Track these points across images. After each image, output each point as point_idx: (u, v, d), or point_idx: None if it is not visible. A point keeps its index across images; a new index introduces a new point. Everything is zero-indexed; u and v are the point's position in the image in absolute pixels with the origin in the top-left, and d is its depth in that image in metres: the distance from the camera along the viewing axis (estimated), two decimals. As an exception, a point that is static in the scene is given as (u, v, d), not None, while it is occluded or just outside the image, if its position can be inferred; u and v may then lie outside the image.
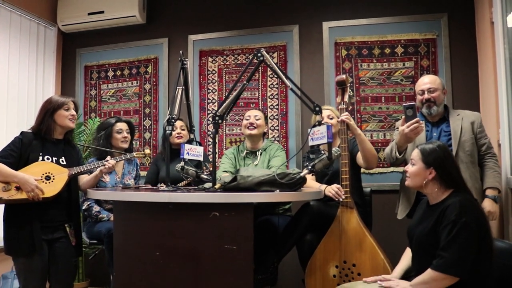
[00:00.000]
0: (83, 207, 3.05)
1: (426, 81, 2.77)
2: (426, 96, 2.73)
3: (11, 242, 2.48)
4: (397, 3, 3.71)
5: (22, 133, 2.61)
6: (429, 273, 1.83)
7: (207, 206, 2.05)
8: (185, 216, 2.11)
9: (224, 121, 3.93)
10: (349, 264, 2.50)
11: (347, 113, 2.58)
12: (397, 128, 2.86)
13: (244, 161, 3.16)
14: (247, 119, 3.12)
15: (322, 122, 2.25)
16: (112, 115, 4.23)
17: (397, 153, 2.67)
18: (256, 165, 3.07)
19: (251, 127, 3.08)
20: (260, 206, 2.88)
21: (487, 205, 2.60)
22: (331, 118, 2.90)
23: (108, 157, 2.79)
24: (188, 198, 2.06)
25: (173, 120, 2.49)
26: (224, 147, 4.01)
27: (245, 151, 3.18)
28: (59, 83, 4.55)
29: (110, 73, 4.43)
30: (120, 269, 2.25)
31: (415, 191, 2.64)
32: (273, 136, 3.89)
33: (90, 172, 2.75)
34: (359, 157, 2.75)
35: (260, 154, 3.12)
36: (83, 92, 4.50)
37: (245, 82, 2.38)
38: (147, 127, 4.27)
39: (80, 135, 4.04)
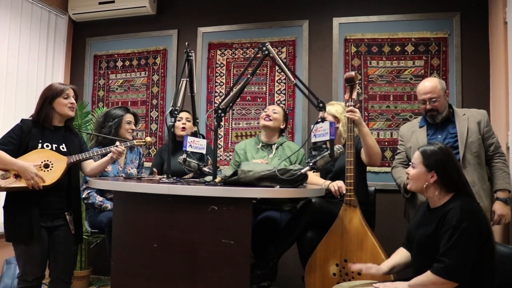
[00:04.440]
0: (83, 196, 3.06)
1: (427, 90, 2.69)
2: (428, 106, 2.69)
3: (10, 229, 2.49)
4: (409, 1, 3.65)
5: (22, 120, 2.61)
6: (428, 276, 1.80)
7: (205, 200, 2.04)
8: (183, 209, 2.10)
9: (231, 115, 3.95)
10: (350, 263, 2.47)
11: (351, 108, 2.54)
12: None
13: (259, 153, 3.16)
14: (266, 111, 3.19)
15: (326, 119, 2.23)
16: (120, 105, 4.24)
17: (405, 193, 2.70)
18: (271, 158, 3.07)
19: (267, 118, 3.14)
20: (264, 200, 2.90)
21: (498, 207, 2.56)
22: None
23: (117, 143, 2.77)
24: (186, 191, 2.04)
25: (175, 112, 2.47)
26: (230, 141, 4.00)
27: (260, 143, 3.20)
28: (68, 72, 4.57)
29: (119, 63, 4.43)
30: (117, 258, 2.25)
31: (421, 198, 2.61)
32: (279, 132, 3.87)
33: (97, 158, 2.75)
34: (363, 152, 2.72)
35: (276, 148, 3.14)
36: (92, 81, 4.52)
37: (249, 76, 2.36)
38: (154, 118, 4.27)
39: (87, 124, 4.05)
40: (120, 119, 3.16)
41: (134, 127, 3.23)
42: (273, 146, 3.15)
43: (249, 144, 3.26)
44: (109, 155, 2.70)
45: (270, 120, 3.13)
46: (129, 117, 3.20)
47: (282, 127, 3.21)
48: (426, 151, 1.96)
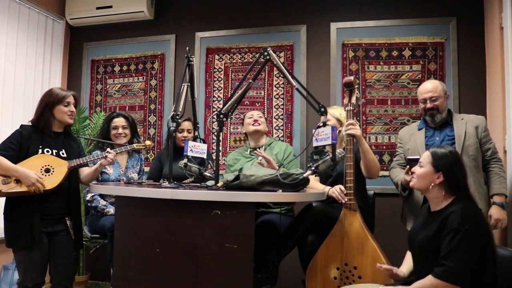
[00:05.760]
0: (87, 198, 3.06)
1: (428, 89, 2.74)
2: (428, 105, 2.72)
3: (11, 235, 2.48)
4: (405, 6, 3.69)
5: (21, 126, 2.61)
6: (429, 279, 1.81)
7: (208, 204, 2.04)
8: (186, 214, 2.10)
9: (229, 120, 3.96)
10: (350, 267, 2.48)
11: (352, 122, 2.55)
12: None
13: (249, 158, 3.19)
14: (250, 117, 3.24)
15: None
16: (117, 110, 4.23)
17: (402, 192, 2.75)
18: (261, 159, 3.08)
19: (256, 123, 3.20)
20: (260, 203, 2.94)
21: (495, 212, 2.57)
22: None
23: (108, 149, 2.75)
24: (189, 196, 2.05)
25: (177, 117, 2.47)
26: (228, 146, 4.01)
27: (249, 150, 3.25)
28: (66, 77, 4.56)
29: (117, 68, 4.43)
30: (120, 263, 2.25)
31: (419, 202, 2.62)
32: (278, 136, 3.88)
33: (91, 163, 2.74)
34: (362, 166, 2.74)
35: (264, 150, 3.18)
36: (89, 86, 4.51)
37: (250, 80, 2.37)
38: (152, 123, 4.26)
39: (85, 129, 4.04)
40: (106, 125, 3.19)
41: (123, 131, 3.20)
42: (261, 148, 3.20)
43: (239, 153, 3.33)
44: (98, 162, 2.69)
45: (259, 124, 3.21)
46: (115, 121, 3.20)
47: (266, 130, 3.33)
48: (437, 153, 1.98)
